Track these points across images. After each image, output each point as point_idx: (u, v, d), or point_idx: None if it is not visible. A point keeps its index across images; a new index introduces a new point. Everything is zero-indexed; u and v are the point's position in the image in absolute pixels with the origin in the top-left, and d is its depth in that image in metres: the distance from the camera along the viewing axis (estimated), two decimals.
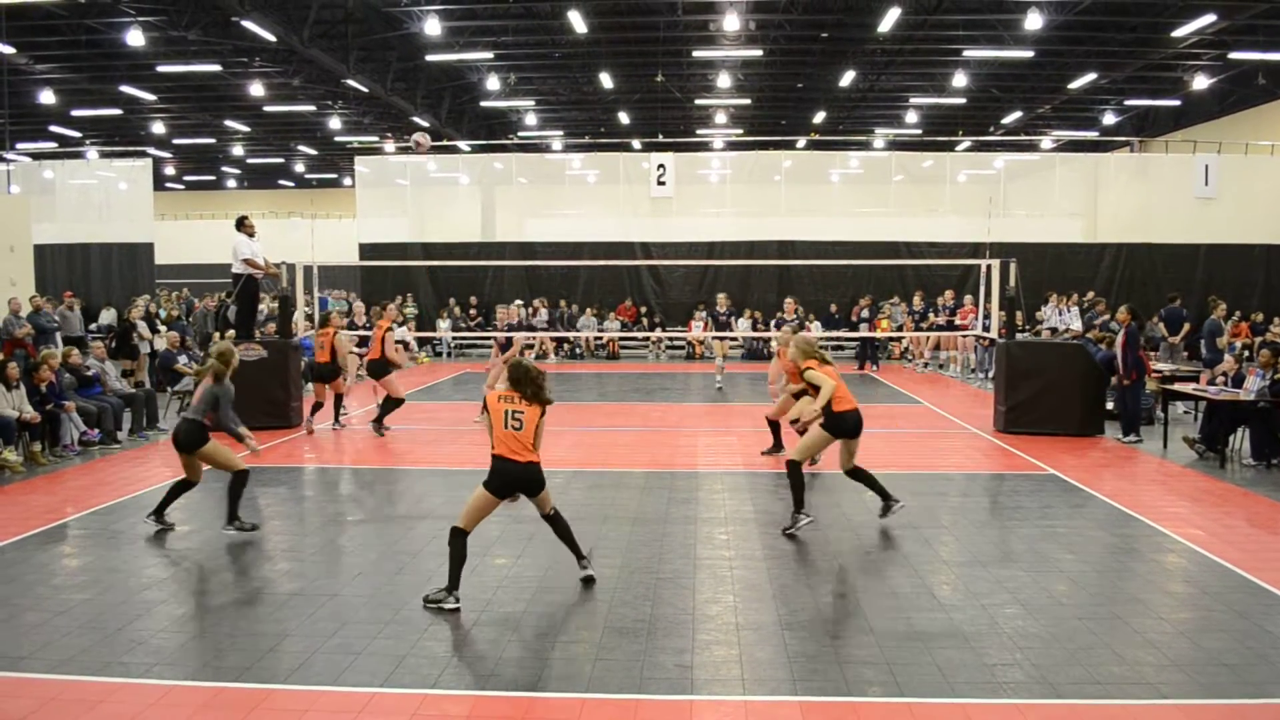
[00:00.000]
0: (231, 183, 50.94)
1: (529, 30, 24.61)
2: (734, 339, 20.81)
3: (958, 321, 19.15)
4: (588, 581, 6.15)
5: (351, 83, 26.05)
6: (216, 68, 26.26)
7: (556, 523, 6.17)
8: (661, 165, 22.96)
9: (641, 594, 5.98)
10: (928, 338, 19.81)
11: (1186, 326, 17.41)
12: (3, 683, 4.74)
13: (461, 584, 5.98)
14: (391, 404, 11.99)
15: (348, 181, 40.75)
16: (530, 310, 21.34)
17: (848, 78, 27.39)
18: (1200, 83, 26.60)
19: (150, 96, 29.44)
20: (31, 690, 4.64)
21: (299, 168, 47.16)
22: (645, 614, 5.63)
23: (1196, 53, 24.89)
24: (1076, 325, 17.69)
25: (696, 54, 25.96)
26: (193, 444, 7.31)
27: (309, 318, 14.55)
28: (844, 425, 7.40)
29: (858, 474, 7.64)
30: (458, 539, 5.75)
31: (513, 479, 5.84)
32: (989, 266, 13.56)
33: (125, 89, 27.60)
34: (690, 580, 6.27)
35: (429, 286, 23.24)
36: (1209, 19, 20.51)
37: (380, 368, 12.07)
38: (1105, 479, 9.42)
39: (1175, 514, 8.01)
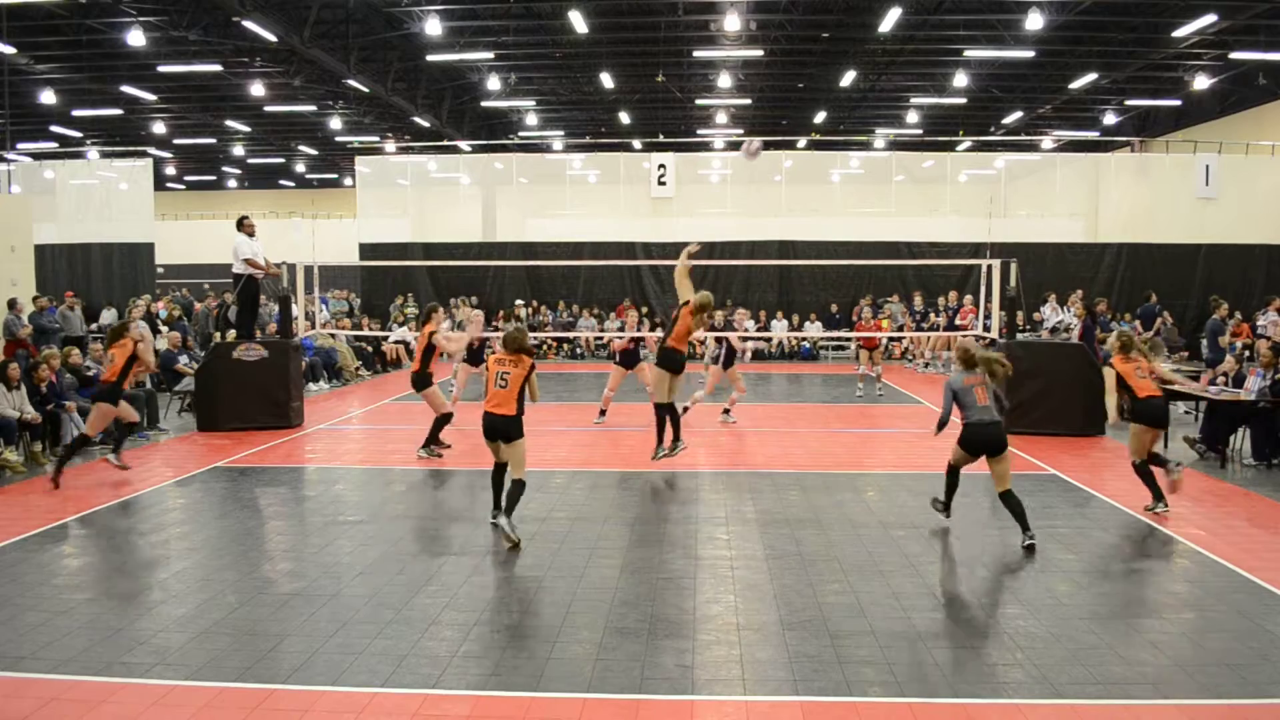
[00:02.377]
0: (232, 183, 50.96)
1: (529, 30, 24.60)
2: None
3: (958, 322, 19.14)
4: (510, 545, 6.95)
5: (352, 83, 26.05)
6: (217, 68, 26.26)
7: (514, 486, 7.15)
8: (662, 165, 22.96)
9: (642, 594, 5.98)
10: (928, 338, 19.80)
11: (1157, 322, 17.81)
12: (4, 683, 4.74)
13: (462, 585, 6.13)
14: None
15: (348, 181, 40.77)
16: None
17: (848, 78, 27.38)
18: (1201, 83, 26.58)
19: (151, 97, 29.44)
20: (33, 690, 4.64)
21: (300, 168, 47.17)
22: (646, 614, 5.63)
23: (1197, 53, 24.87)
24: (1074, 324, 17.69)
25: (697, 54, 25.95)
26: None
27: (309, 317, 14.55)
28: (675, 362, 9.45)
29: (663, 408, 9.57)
30: (495, 471, 7.47)
31: (492, 427, 7.14)
32: (990, 266, 13.56)
33: (126, 89, 27.61)
34: (691, 580, 6.26)
35: (429, 287, 23.24)
36: (1209, 19, 20.49)
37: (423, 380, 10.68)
38: (1106, 479, 9.42)
39: (1176, 514, 8.00)
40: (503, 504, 7.21)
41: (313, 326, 15.08)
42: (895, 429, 12.39)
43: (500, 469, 7.43)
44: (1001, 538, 7.40)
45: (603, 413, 12.72)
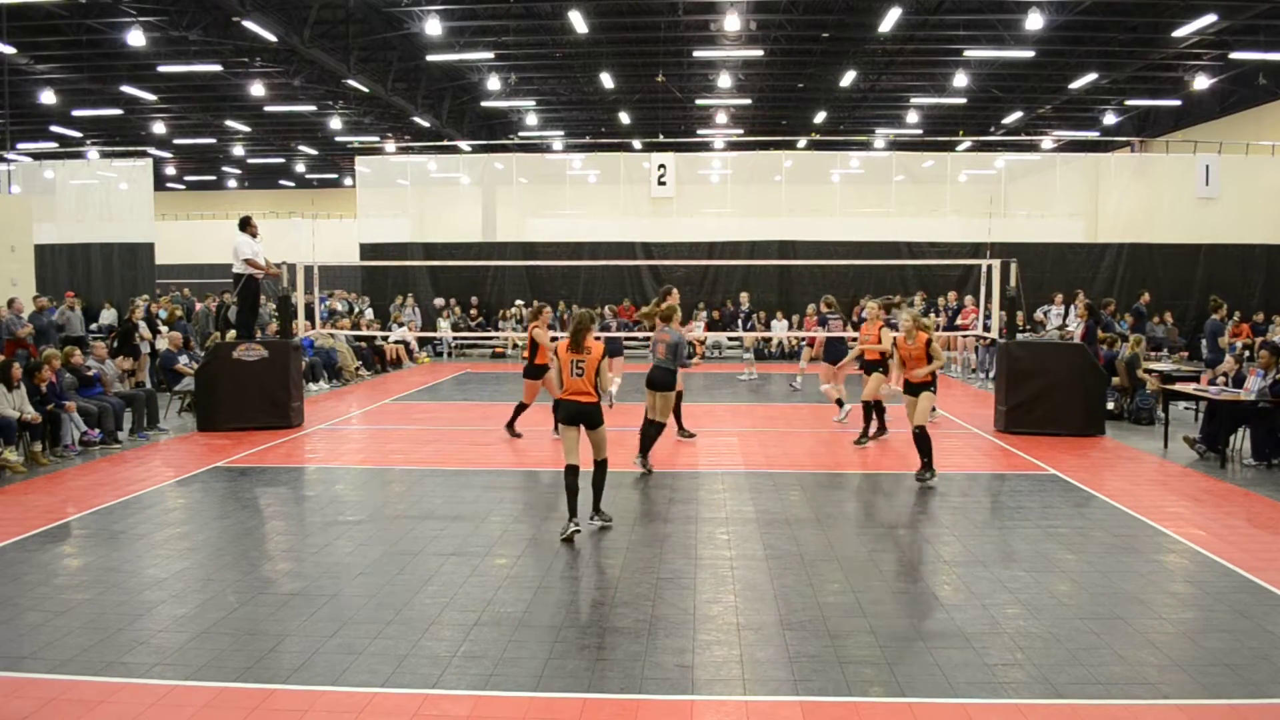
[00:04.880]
0: (232, 183, 50.96)
1: (529, 30, 24.62)
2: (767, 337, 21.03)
3: (959, 322, 19.13)
4: (598, 528, 7.46)
5: (352, 83, 26.06)
6: (217, 68, 26.28)
7: (598, 470, 7.54)
8: (662, 165, 22.97)
9: (642, 594, 5.98)
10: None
11: (1130, 320, 17.97)
12: (4, 683, 4.74)
13: (462, 585, 6.11)
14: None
15: (348, 181, 40.78)
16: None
17: (848, 78, 27.39)
18: (1201, 83, 26.60)
19: (151, 96, 29.46)
20: (33, 690, 4.64)
21: (300, 168, 47.17)
22: (646, 614, 5.63)
23: (1197, 53, 24.89)
24: (1073, 325, 17.69)
25: (697, 54, 25.96)
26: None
27: (311, 315, 14.54)
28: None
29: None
30: (569, 474, 7.29)
31: (574, 413, 7.36)
32: (990, 267, 13.56)
33: (126, 89, 27.63)
34: (691, 580, 6.26)
35: (429, 287, 23.26)
36: (1210, 19, 20.50)
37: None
38: (1106, 479, 9.42)
39: (1176, 514, 8.00)
40: (577, 501, 7.39)
41: (313, 326, 15.09)
42: (895, 429, 12.38)
43: (574, 470, 7.29)
44: (1001, 537, 7.40)
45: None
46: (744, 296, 19.73)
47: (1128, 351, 13.30)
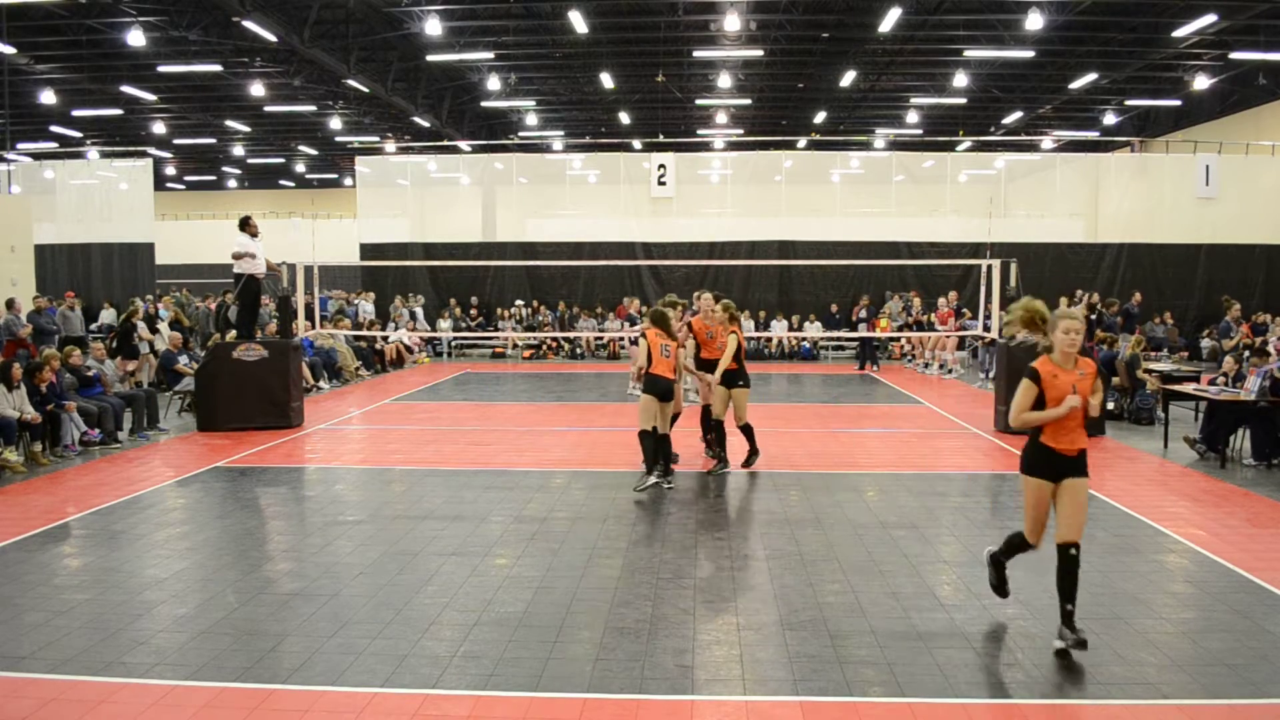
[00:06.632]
0: (232, 183, 50.98)
1: (529, 30, 24.63)
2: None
3: (935, 323, 19.19)
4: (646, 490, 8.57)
5: (352, 83, 26.08)
6: (217, 68, 26.29)
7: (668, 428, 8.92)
8: (662, 165, 22.98)
9: (642, 594, 5.98)
10: (929, 339, 19.81)
11: (1120, 320, 18.03)
12: (4, 683, 4.74)
13: (462, 585, 6.13)
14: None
15: (349, 181, 40.79)
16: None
17: (848, 78, 27.40)
18: (1201, 83, 26.62)
19: (151, 96, 29.48)
20: (32, 690, 4.64)
21: (300, 168, 47.18)
22: (645, 614, 5.63)
23: (1197, 53, 24.91)
24: None
25: (697, 54, 25.97)
26: None
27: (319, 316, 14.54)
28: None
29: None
30: (646, 438, 8.63)
31: (664, 388, 8.60)
32: (990, 267, 13.57)
33: (126, 89, 27.65)
34: (691, 580, 6.26)
35: (429, 287, 23.27)
36: (1210, 19, 20.52)
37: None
38: (1106, 479, 9.41)
39: (1176, 514, 8.00)
40: (654, 461, 8.68)
41: (313, 326, 15.10)
42: (895, 429, 12.39)
43: (654, 434, 8.62)
44: (1001, 537, 7.38)
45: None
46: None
47: (1128, 351, 13.29)
